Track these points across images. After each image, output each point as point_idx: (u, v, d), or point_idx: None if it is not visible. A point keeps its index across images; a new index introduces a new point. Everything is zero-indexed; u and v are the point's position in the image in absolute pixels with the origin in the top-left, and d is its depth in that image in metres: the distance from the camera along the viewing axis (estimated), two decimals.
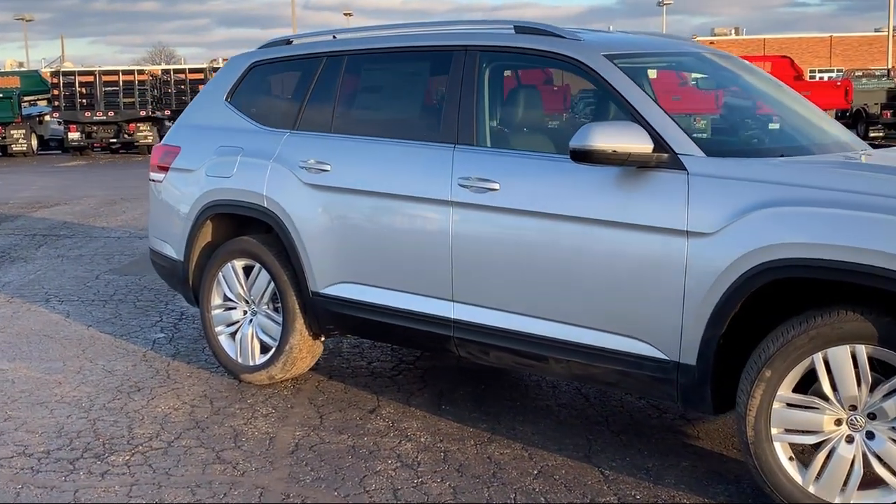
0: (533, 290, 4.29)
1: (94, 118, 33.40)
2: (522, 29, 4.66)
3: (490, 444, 4.58)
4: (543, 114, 5.04)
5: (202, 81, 33.78)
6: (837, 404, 3.54)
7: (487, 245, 4.43)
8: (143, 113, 33.53)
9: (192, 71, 35.30)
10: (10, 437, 4.71)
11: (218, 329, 5.67)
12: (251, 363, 5.51)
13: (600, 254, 4.05)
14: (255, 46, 5.93)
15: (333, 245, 5.02)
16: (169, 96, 33.86)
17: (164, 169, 5.96)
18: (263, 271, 5.38)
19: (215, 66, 39.36)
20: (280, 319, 5.35)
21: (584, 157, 3.95)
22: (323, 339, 5.44)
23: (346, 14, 70.80)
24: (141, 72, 34.88)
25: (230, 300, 5.61)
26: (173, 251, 5.89)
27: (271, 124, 5.50)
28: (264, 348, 5.49)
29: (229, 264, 5.55)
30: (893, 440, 3.46)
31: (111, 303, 7.76)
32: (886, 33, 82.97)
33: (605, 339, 4.10)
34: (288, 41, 5.74)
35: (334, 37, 5.64)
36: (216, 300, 5.67)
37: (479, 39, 4.72)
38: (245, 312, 5.59)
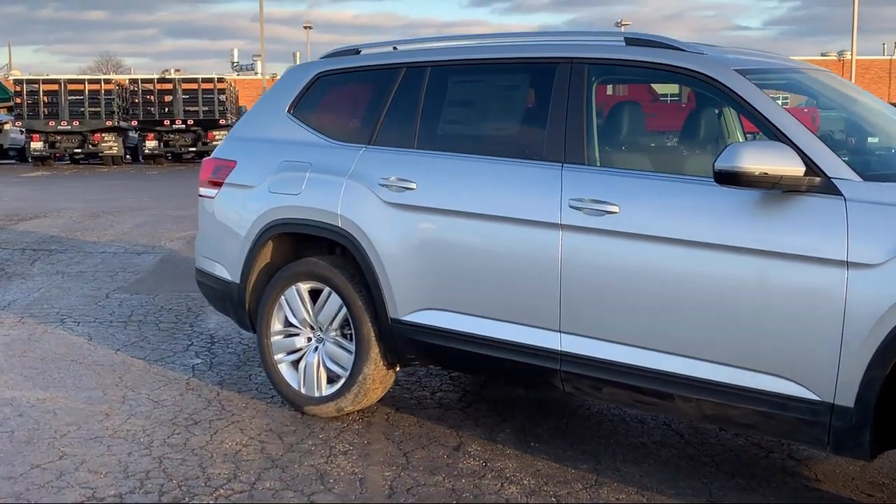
0: (659, 322, 3.97)
1: (59, 128, 32.63)
2: (634, 41, 4.35)
3: (600, 487, 4.25)
4: (659, 131, 4.74)
5: (171, 92, 33.19)
6: None
7: (605, 272, 4.10)
8: (109, 123, 32.81)
9: (161, 81, 34.58)
10: (73, 477, 4.27)
11: (278, 357, 5.28)
12: (316, 394, 5.12)
13: (743, 284, 3.74)
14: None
15: (418, 269, 4.66)
16: (136, 106, 33.12)
17: (217, 184, 5.56)
18: (334, 295, 5.00)
19: (167, 76, 38.62)
20: (352, 347, 4.97)
21: (731, 179, 3.65)
22: (398, 368, 5.07)
23: (305, 27, 70.29)
24: (108, 81, 34.22)
25: (293, 326, 5.22)
26: (227, 272, 5.49)
27: (343, 139, 5.13)
28: (331, 378, 5.11)
29: (293, 287, 5.16)
30: None
31: (132, 324, 7.31)
32: (835, 57, 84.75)
33: (744, 377, 3.79)
34: (356, 51, 5.39)
35: (395, 48, 5.31)
36: (276, 326, 5.28)
37: (587, 52, 4.41)
38: (309, 339, 5.20)
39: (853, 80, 52.33)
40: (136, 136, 35.73)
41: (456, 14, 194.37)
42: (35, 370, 5.99)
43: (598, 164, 4.27)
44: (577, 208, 4.15)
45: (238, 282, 5.39)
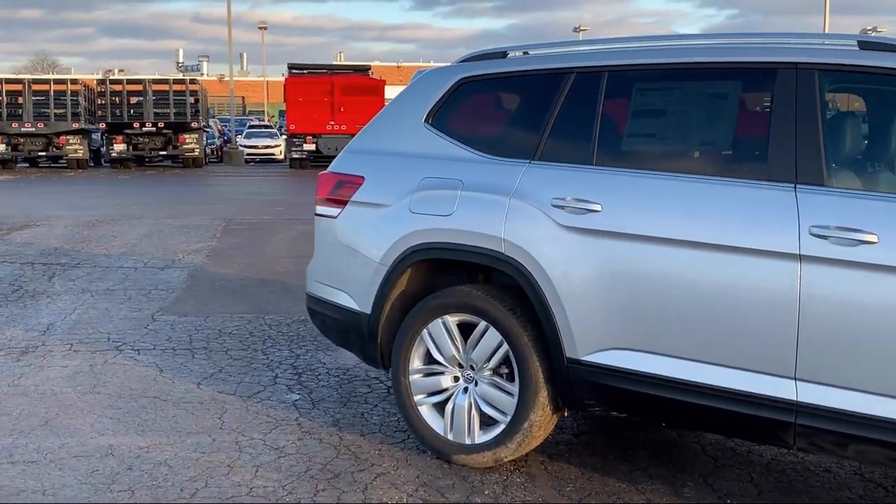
0: None
1: (23, 129, 31.45)
2: (870, 45, 3.82)
3: None
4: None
5: (140, 94, 32.19)
6: None
7: (858, 310, 3.56)
8: (75, 125, 31.71)
9: (130, 82, 33.51)
10: None
11: (418, 398, 4.67)
12: (468, 441, 4.52)
13: None
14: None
15: (604, 302, 4.09)
16: (103, 108, 32.03)
17: (340, 202, 4.93)
18: (492, 330, 4.41)
19: (110, 77, 37.53)
20: (513, 389, 4.38)
21: None
22: (565, 413, 4.49)
23: (260, 27, 69.02)
24: (74, 81, 33.02)
25: (437, 363, 4.62)
26: (353, 301, 4.86)
27: (498, 153, 4.54)
28: (484, 422, 4.52)
29: (439, 320, 4.56)
30: None
31: (198, 352, 6.63)
32: None
33: None
34: (503, 53, 4.80)
35: (526, 53, 4.74)
36: (416, 363, 4.68)
37: (815, 56, 3.86)
38: (456, 379, 4.60)
39: None
40: (98, 138, 34.63)
41: (399, 17, 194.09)
42: (119, 410, 5.30)
43: (839, 184, 3.73)
44: (820, 236, 3.60)
45: (368, 312, 4.78)
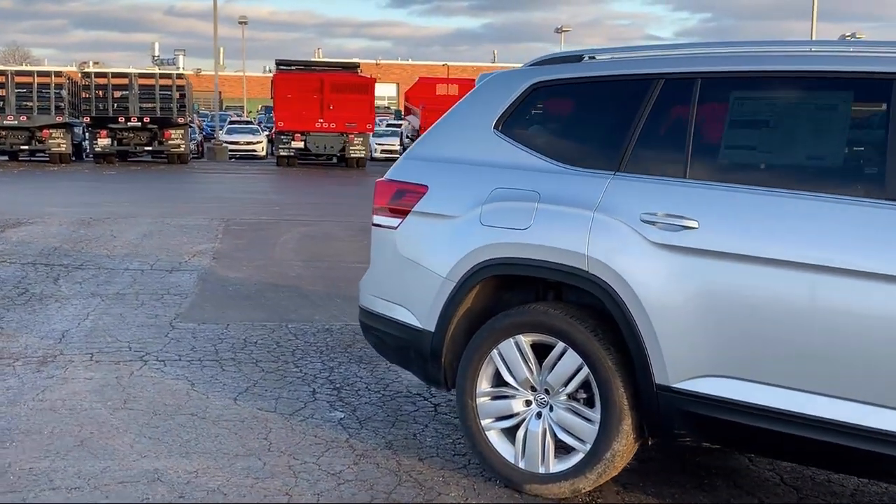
0: None
1: (5, 122, 30.86)
2: None
3: None
4: None
5: (126, 87, 31.68)
6: None
7: None
8: (59, 119, 31.15)
9: (116, 76, 32.95)
10: None
11: (485, 422, 4.40)
12: (541, 470, 4.25)
13: None
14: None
15: (699, 325, 3.82)
16: (88, 101, 31.46)
17: (401, 212, 4.65)
18: (571, 352, 4.14)
19: (86, 70, 36.90)
20: (595, 416, 4.11)
21: None
22: (649, 442, 4.22)
23: (240, 21, 68.48)
24: (58, 74, 32.46)
25: (509, 386, 4.34)
26: (413, 318, 4.58)
27: (577, 163, 4.27)
28: (560, 451, 4.24)
29: (512, 340, 4.28)
30: None
31: (226, 363, 6.32)
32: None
33: None
34: (579, 57, 4.52)
35: (592, 57, 4.48)
36: (483, 385, 4.40)
37: None
38: (529, 403, 4.32)
39: None
40: (80, 132, 34.06)
41: (375, 14, 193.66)
42: (157, 429, 4.98)
43: None
44: None
45: (432, 330, 4.49)
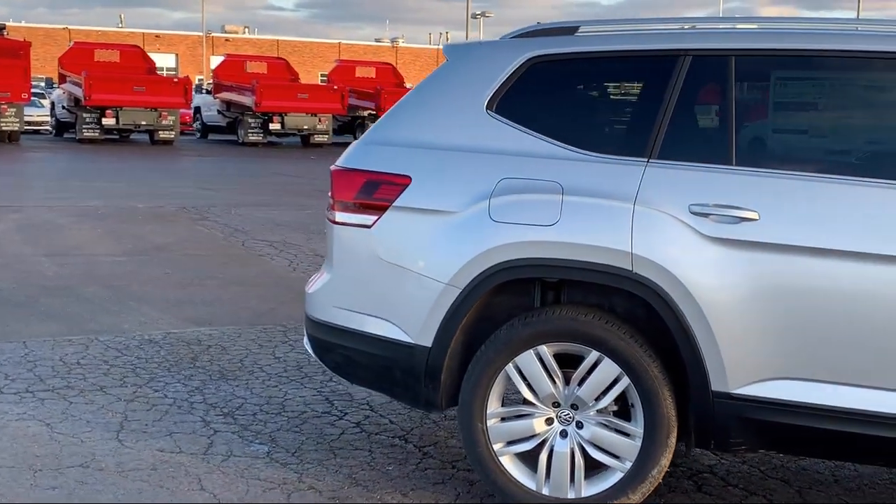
0: None
1: None
2: None
3: None
4: None
5: None
6: None
7: None
8: None
9: None
10: None
11: (497, 447, 3.84)
12: (571, 495, 3.77)
13: None
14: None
15: (762, 325, 3.52)
16: None
17: (377, 208, 3.92)
18: (608, 362, 3.68)
19: None
20: (635, 430, 3.69)
21: None
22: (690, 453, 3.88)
23: None
24: None
25: (529, 404, 3.81)
26: (401, 332, 3.89)
27: (600, 149, 3.79)
28: (590, 470, 3.79)
29: (531, 352, 3.75)
30: None
31: (70, 394, 5.15)
32: (388, 44, 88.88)
33: None
34: (573, 28, 4.03)
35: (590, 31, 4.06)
36: (496, 405, 3.83)
37: None
38: (550, 421, 3.82)
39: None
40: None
41: None
42: (54, 493, 3.88)
43: None
44: None
45: (428, 345, 3.84)
